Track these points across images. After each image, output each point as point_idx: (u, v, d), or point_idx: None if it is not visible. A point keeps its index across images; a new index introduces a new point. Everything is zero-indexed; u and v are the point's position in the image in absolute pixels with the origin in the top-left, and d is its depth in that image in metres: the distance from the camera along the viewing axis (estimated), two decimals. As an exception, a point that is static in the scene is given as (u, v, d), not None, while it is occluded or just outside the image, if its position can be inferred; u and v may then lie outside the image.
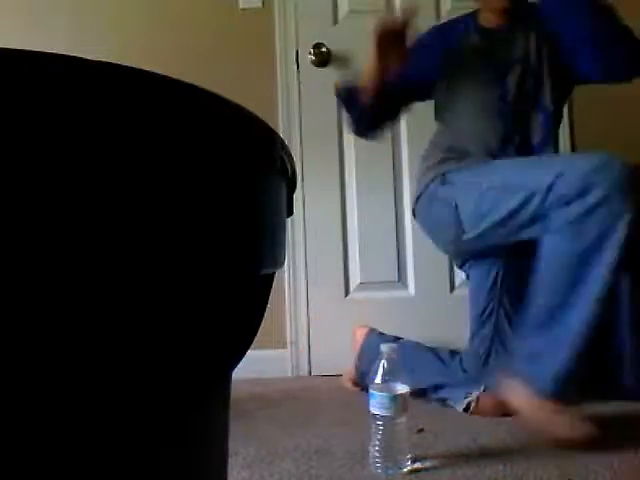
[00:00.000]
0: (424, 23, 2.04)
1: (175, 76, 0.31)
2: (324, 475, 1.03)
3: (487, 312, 1.47)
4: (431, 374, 1.49)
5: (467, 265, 1.56)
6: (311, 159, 2.08)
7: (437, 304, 2.03)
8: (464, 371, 1.46)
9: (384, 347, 1.06)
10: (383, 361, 1.06)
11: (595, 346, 1.18)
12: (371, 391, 1.05)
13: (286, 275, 2.05)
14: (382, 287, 2.05)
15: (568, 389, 1.18)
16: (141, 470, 0.33)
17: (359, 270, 2.06)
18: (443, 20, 1.80)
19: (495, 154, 1.45)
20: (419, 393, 1.43)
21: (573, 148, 2.06)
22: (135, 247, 0.30)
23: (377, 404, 1.04)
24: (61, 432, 0.29)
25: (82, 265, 0.28)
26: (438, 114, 1.62)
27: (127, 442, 0.32)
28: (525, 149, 1.46)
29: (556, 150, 1.54)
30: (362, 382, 1.60)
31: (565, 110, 2.04)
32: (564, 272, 1.17)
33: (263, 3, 2.13)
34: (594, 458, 1.06)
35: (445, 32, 1.61)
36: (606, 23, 1.33)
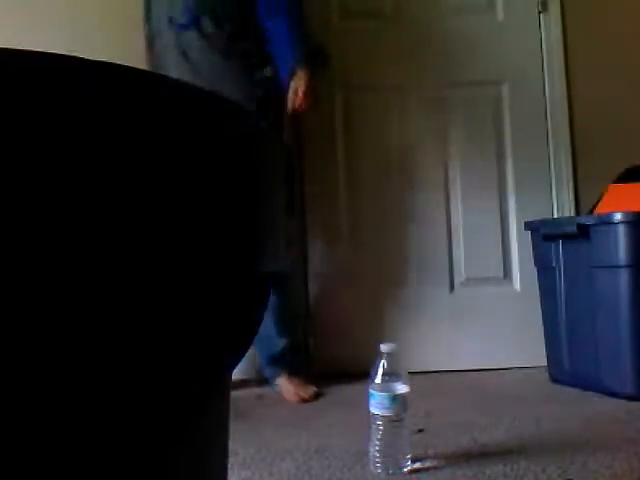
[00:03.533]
0: (424, 23, 2.06)
1: (175, 76, 0.31)
2: (324, 475, 1.03)
3: None
4: None
5: None
6: (311, 159, 2.07)
7: (437, 304, 2.03)
8: None
9: (384, 347, 1.06)
10: (383, 361, 1.06)
11: None
12: (371, 391, 1.05)
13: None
14: (382, 287, 2.04)
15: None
16: (141, 470, 0.33)
17: (359, 270, 2.05)
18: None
19: None
20: None
21: (573, 148, 2.05)
22: (134, 246, 0.30)
23: (377, 404, 1.03)
24: (61, 433, 0.29)
25: (79, 265, 0.28)
26: None
27: (127, 442, 0.32)
28: None
29: None
30: None
31: (565, 110, 2.05)
32: None
33: (263, 3, 2.13)
34: (594, 458, 1.06)
35: None
36: None
